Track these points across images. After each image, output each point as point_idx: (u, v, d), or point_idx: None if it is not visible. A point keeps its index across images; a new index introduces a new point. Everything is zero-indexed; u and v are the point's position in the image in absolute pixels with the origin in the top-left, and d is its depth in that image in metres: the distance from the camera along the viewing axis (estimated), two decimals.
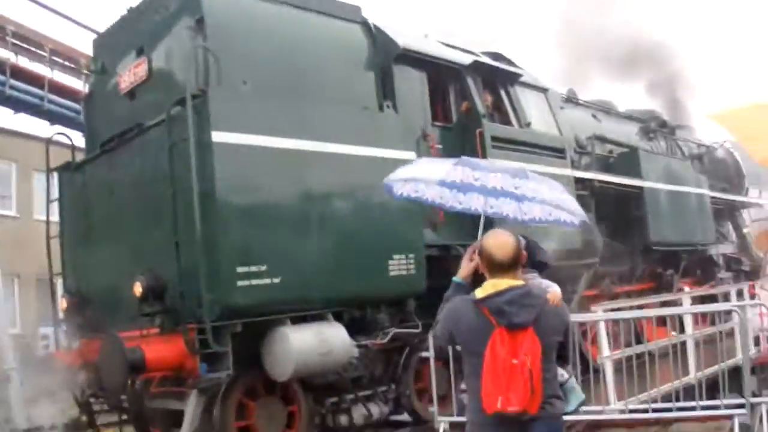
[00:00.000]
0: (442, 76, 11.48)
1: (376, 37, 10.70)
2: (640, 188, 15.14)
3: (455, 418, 8.94)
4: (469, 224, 10.45)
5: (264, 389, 9.05)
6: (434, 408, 9.60)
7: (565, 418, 4.83)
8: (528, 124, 12.42)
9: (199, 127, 8.16)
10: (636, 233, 15.14)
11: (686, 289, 15.65)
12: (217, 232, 8.07)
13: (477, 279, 4.77)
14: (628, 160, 15.55)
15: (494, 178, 5.28)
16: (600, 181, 14.26)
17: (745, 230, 21.53)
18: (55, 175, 10.82)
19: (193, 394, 8.39)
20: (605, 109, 17.42)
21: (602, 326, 10.13)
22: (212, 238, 8.03)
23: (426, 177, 5.40)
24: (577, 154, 14.73)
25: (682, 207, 16.34)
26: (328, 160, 9.13)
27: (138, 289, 8.35)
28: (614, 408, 9.36)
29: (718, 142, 21.74)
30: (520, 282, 4.47)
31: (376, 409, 10.03)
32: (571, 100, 16.18)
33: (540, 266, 6.05)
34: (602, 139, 15.79)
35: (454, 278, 5.08)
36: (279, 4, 9.74)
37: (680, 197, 16.41)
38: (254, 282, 8.18)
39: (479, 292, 4.46)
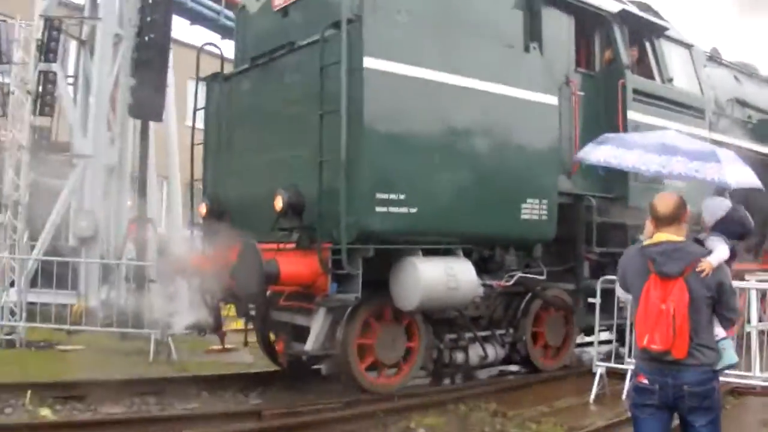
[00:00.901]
0: (588, 22, 11.39)
1: None
2: None
3: (612, 365, 9.48)
4: (600, 177, 10.57)
5: (388, 317, 9.26)
6: (594, 353, 9.99)
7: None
8: (670, 80, 12.26)
9: (351, 52, 8.29)
10: None
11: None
12: (361, 156, 8.26)
13: None
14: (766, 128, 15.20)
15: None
16: (737, 146, 13.97)
17: None
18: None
19: (321, 311, 8.68)
20: (749, 72, 16.95)
21: (753, 295, 9.73)
22: (356, 162, 8.22)
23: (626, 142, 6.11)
24: (716, 116, 14.45)
25: None
26: (472, 96, 9.19)
27: (279, 203, 8.61)
28: (759, 377, 9.28)
29: None
30: (676, 238, 4.87)
31: (492, 351, 10.18)
32: (713, 58, 15.81)
33: (738, 236, 6.99)
34: (742, 103, 15.41)
35: (640, 236, 5.55)
36: None
37: None
38: (392, 209, 8.37)
39: (645, 243, 4.98)
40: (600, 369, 9.43)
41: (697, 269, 4.75)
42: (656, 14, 13.52)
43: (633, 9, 12.40)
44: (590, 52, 11.54)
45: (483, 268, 9.68)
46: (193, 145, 10.76)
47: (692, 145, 6.30)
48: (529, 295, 10.62)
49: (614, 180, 10.98)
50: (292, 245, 8.65)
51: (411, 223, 8.53)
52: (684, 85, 12.63)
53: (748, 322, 9.61)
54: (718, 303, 4.88)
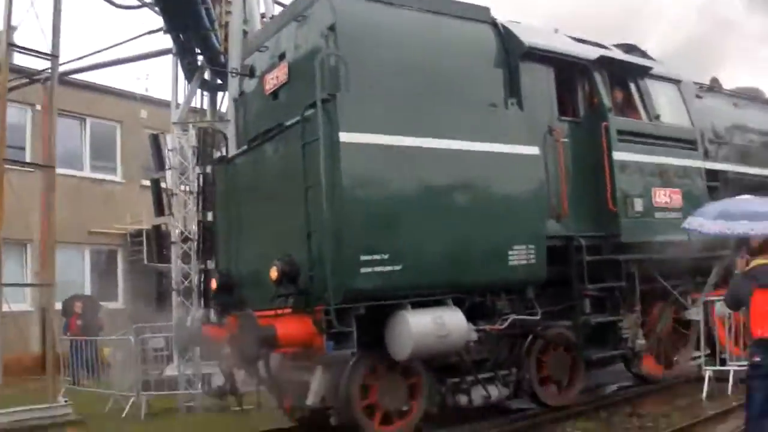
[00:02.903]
0: (569, 71, 11.96)
1: (504, 36, 11.29)
2: None
3: (718, 367, 12.01)
4: (591, 218, 11.15)
5: (387, 368, 9.87)
6: (701, 358, 12.38)
7: None
8: (657, 117, 12.74)
9: (328, 128, 9.04)
10: None
11: None
12: (342, 224, 8.94)
13: None
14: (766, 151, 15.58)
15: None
16: (735, 173, 14.38)
17: None
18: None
19: (318, 368, 9.38)
20: (750, 98, 17.32)
21: None
22: (339, 229, 8.92)
23: (729, 214, 8.47)
24: (715, 144, 14.86)
25: None
26: (450, 156, 9.84)
27: (274, 272, 9.36)
28: None
29: None
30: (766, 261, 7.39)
31: (495, 391, 10.67)
32: (712, 88, 16.24)
33: None
34: (743, 129, 15.81)
35: (736, 270, 8.11)
36: (411, 9, 10.50)
37: None
38: (377, 269, 9.00)
39: (747, 269, 7.50)
40: (708, 372, 11.83)
41: None
42: (643, 54, 14.08)
43: (615, 52, 12.99)
44: (574, 100, 12.09)
45: (477, 313, 10.25)
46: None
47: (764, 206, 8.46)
48: (531, 336, 11.14)
49: (605, 220, 11.56)
50: (289, 310, 9.33)
51: (396, 279, 9.14)
52: (673, 119, 13.08)
53: None
54: None
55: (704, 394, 11.66)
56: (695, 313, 13.04)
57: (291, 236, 9.62)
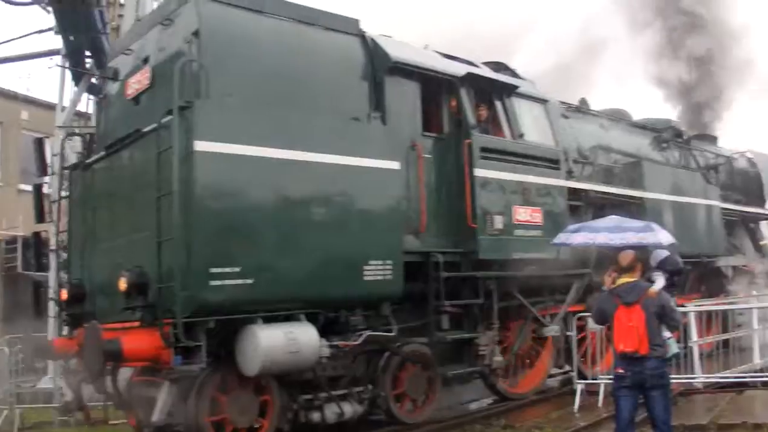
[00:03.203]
0: (435, 87, 12.19)
1: (371, 49, 11.43)
2: (642, 199, 15.73)
3: (588, 381, 12.97)
4: (449, 234, 11.39)
5: (239, 383, 9.83)
6: (574, 375, 13.23)
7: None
8: (521, 135, 13.04)
9: (183, 136, 9.01)
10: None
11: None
12: (193, 235, 8.92)
13: None
14: (631, 171, 16.18)
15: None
16: (597, 192, 14.86)
17: (762, 242, 21.95)
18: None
19: (165, 384, 9.30)
20: (616, 119, 17.96)
21: (692, 317, 13.67)
22: (189, 240, 8.89)
23: (592, 228, 9.42)
24: (580, 164, 15.35)
25: (687, 218, 16.94)
26: (308, 168, 9.91)
27: (122, 284, 9.27)
28: (700, 379, 13.25)
29: (739, 152, 22.14)
30: (632, 279, 8.11)
31: (350, 409, 10.74)
32: (579, 109, 16.78)
33: (673, 271, 11.11)
34: (607, 149, 16.37)
35: (602, 287, 8.62)
36: (278, 18, 10.55)
37: (685, 208, 17.02)
38: (227, 282, 9.00)
39: (612, 288, 8.17)
40: (580, 386, 12.73)
41: (647, 296, 7.94)
42: (512, 73, 14.44)
43: (483, 70, 13.26)
44: (439, 116, 12.31)
45: (331, 329, 10.33)
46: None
47: (636, 223, 9.30)
48: (387, 353, 11.29)
49: (465, 236, 11.79)
50: (137, 323, 9.24)
51: (247, 293, 9.15)
52: (537, 138, 13.42)
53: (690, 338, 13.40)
54: (664, 316, 8.00)
55: (576, 407, 12.41)
56: (553, 330, 13.46)
57: (143, 247, 9.51)
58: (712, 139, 22.94)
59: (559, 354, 14.38)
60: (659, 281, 9.84)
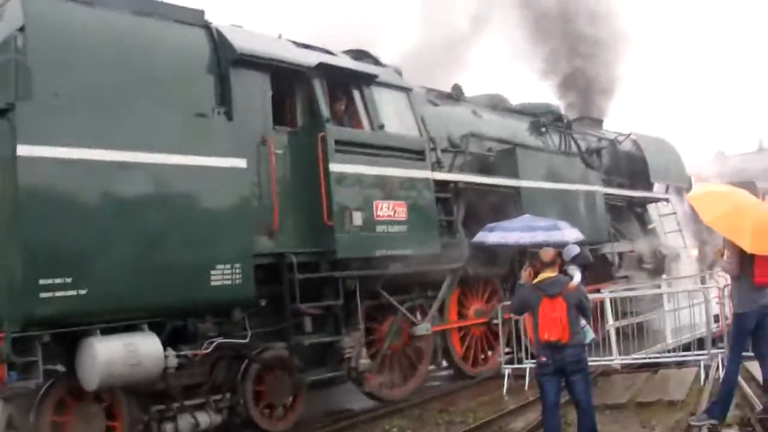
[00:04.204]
0: (287, 78, 12.33)
1: (216, 41, 11.46)
2: (517, 188, 16.17)
3: (515, 366, 14.42)
4: (306, 234, 11.56)
5: (83, 397, 9.93)
6: (501, 358, 15.15)
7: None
8: (381, 126, 13.26)
9: (5, 141, 9.01)
10: None
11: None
12: (18, 246, 8.93)
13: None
14: (506, 159, 16.57)
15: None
16: (468, 182, 15.21)
17: (650, 226, 22.68)
18: None
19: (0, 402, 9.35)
20: (491, 105, 18.35)
21: (608, 303, 15.64)
22: (15, 252, 8.92)
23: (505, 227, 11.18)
24: (451, 154, 15.69)
25: (566, 205, 17.40)
26: (145, 170, 9.97)
27: None
28: (617, 360, 14.99)
29: (624, 135, 22.80)
30: (553, 274, 9.29)
31: (206, 418, 10.95)
32: (451, 96, 17.12)
33: (585, 265, 12.41)
34: (480, 137, 16.72)
35: (519, 281, 9.94)
36: (113, 10, 10.48)
37: (565, 195, 17.54)
38: (58, 294, 9.03)
39: (536, 281, 9.28)
40: (507, 370, 14.33)
41: (567, 289, 9.17)
42: (375, 61, 14.60)
43: (339, 59, 13.42)
44: (292, 108, 12.47)
45: (180, 338, 10.50)
46: None
47: (544, 222, 10.99)
48: (246, 360, 11.50)
49: (322, 235, 12.00)
50: None
51: (81, 304, 9.19)
52: (400, 129, 13.67)
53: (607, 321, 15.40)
54: (581, 307, 9.30)
55: (504, 390, 13.98)
56: (424, 329, 13.79)
57: None
58: (597, 123, 23.63)
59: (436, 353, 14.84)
60: (577, 275, 11.57)
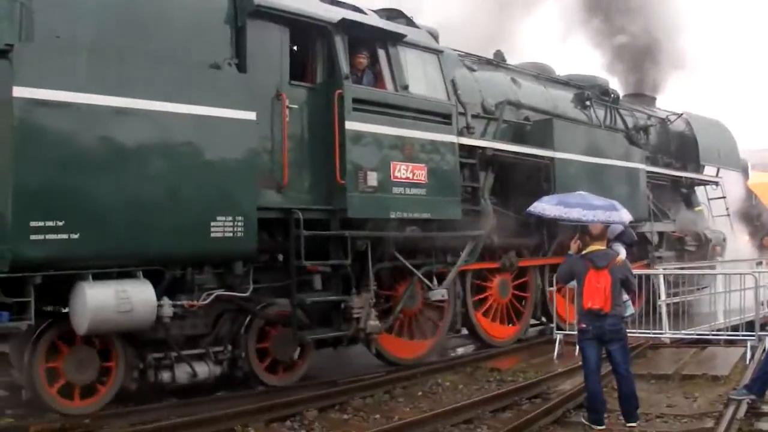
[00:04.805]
0: (307, 33, 12.26)
1: None
2: (552, 159, 15.97)
3: (567, 332, 14.94)
4: (317, 190, 11.53)
5: (78, 340, 10.11)
6: (554, 324, 15.90)
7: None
8: (405, 87, 13.10)
9: (2, 82, 9.03)
10: None
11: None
12: (11, 185, 8.99)
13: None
14: (542, 129, 16.41)
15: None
16: (498, 150, 15.06)
17: (697, 208, 22.29)
18: None
19: None
20: (534, 74, 18.13)
21: (662, 279, 16.66)
22: (6, 193, 8.97)
23: (566, 202, 10.61)
24: (484, 120, 15.57)
25: (604, 181, 17.16)
26: (145, 117, 9.93)
27: None
28: (667, 334, 16.00)
29: (676, 114, 22.40)
30: (602, 247, 9.92)
31: (204, 369, 11.02)
32: (490, 62, 16.94)
33: (629, 243, 13.31)
34: (517, 105, 16.57)
35: (569, 252, 10.32)
36: None
37: (603, 170, 17.29)
38: (49, 237, 9.12)
39: (585, 252, 9.85)
40: (559, 335, 15.10)
41: (614, 263, 9.67)
42: (409, 21, 14.42)
43: (366, 17, 13.26)
44: (312, 64, 12.39)
45: (179, 288, 10.59)
46: None
47: (602, 201, 10.74)
48: (249, 315, 11.61)
49: (334, 193, 11.95)
50: None
51: (75, 248, 9.28)
52: (425, 91, 13.47)
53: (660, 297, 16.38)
54: (625, 281, 9.81)
55: (555, 354, 14.79)
56: (440, 294, 13.70)
57: None
58: (650, 100, 23.24)
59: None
60: (623, 252, 12.03)
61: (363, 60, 12.83)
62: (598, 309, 9.50)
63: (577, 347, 10.65)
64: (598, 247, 9.84)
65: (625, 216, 10.53)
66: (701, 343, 15.87)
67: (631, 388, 9.87)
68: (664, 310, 16.36)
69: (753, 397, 10.60)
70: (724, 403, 10.81)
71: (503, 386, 12.28)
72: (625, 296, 10.67)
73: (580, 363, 12.01)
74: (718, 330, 16.92)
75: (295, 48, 12.29)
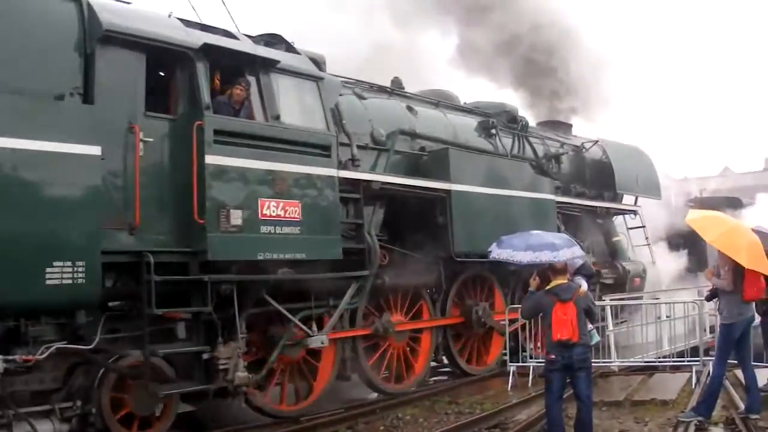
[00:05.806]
0: (166, 60, 11.69)
1: (86, 15, 10.73)
2: (448, 191, 15.47)
3: (520, 364, 16.12)
4: (176, 232, 10.90)
5: None
6: (508, 357, 16.47)
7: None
8: (276, 117, 12.52)
9: None
10: (439, 242, 15.50)
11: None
12: None
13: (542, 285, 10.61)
14: (437, 160, 15.90)
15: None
16: (386, 183, 14.52)
17: (615, 238, 21.96)
18: None
19: None
20: (434, 101, 17.67)
21: (608, 309, 17.46)
22: None
23: (515, 245, 11.20)
24: (374, 151, 15.04)
25: (509, 213, 16.75)
26: None
27: None
28: (615, 363, 16.98)
29: (591, 141, 22.09)
30: (565, 281, 10.50)
31: (47, 428, 10.20)
32: (384, 90, 16.45)
33: (589, 275, 14.21)
34: (412, 135, 16.07)
35: (530, 289, 10.83)
36: None
37: (508, 202, 16.87)
38: None
39: (549, 287, 10.38)
40: (512, 367, 16.01)
41: (578, 295, 10.28)
42: (288, 47, 13.86)
43: (231, 41, 12.66)
44: (174, 94, 11.81)
45: (16, 340, 9.86)
46: None
47: (561, 238, 11.58)
48: (102, 369, 10.82)
49: (193, 234, 11.32)
50: None
51: None
52: (300, 120, 12.93)
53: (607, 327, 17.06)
54: (589, 311, 10.48)
55: (509, 386, 15.72)
56: (319, 341, 13.08)
57: None
58: (566, 128, 22.94)
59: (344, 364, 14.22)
60: (584, 284, 12.76)
61: (241, 92, 12.25)
62: (567, 339, 10.06)
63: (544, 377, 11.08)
64: (561, 281, 10.46)
65: (576, 251, 11.23)
66: (648, 369, 16.90)
67: (589, 416, 10.52)
68: (612, 339, 17.20)
69: (701, 418, 11.69)
70: (673, 425, 11.89)
71: (461, 418, 13.10)
72: (590, 325, 11.29)
73: (534, 394, 14.36)
74: (664, 357, 17.82)
75: (157, 76, 11.68)
